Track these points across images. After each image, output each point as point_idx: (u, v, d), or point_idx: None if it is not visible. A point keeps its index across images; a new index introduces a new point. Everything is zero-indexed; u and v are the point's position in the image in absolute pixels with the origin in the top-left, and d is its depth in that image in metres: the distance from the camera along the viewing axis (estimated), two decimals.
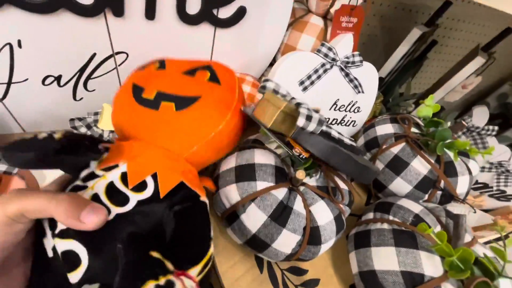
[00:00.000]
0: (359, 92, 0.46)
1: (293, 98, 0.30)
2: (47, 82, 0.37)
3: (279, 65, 0.40)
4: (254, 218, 0.27)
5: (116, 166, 0.20)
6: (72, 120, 0.38)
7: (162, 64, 0.26)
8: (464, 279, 0.25)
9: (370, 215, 0.34)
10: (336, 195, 0.31)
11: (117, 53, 0.38)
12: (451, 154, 0.37)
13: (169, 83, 0.24)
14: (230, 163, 0.31)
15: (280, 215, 0.28)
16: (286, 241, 0.27)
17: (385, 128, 0.43)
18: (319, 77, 0.43)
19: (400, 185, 0.38)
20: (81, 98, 0.41)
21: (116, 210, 0.18)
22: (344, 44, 0.43)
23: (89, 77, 0.39)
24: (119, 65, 0.39)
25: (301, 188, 0.31)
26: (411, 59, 0.77)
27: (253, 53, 0.46)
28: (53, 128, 0.42)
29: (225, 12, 0.39)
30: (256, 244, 0.28)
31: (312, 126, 0.26)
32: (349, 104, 0.48)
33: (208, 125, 0.24)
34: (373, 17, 0.70)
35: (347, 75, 0.44)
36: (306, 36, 0.46)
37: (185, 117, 0.23)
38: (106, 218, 0.17)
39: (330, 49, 0.42)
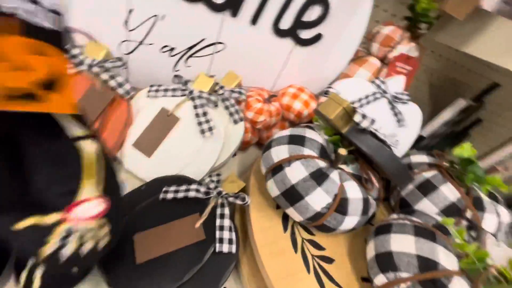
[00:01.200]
0: (401, 125, 0.52)
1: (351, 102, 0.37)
2: (164, 50, 0.49)
3: (339, 83, 0.49)
4: (296, 172, 0.33)
5: None
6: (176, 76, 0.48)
7: None
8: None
9: (394, 215, 0.37)
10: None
11: (219, 43, 0.50)
12: (481, 192, 0.40)
13: None
14: (284, 132, 0.38)
15: (318, 177, 0.33)
16: (318, 198, 0.32)
17: (420, 158, 0.47)
18: (368, 102, 0.50)
19: (426, 206, 0.41)
20: (178, 70, 0.53)
21: None
22: (396, 82, 0.51)
23: (191, 55, 0.51)
24: (216, 52, 0.51)
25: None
26: (453, 131, 0.81)
27: (317, 72, 0.56)
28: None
29: (305, 34, 0.50)
30: (292, 195, 0.33)
31: (365, 123, 0.33)
32: (389, 135, 0.54)
33: None
34: (423, 73, 0.78)
35: (393, 108, 0.51)
36: (363, 70, 0.55)
37: None
38: None
39: (383, 82, 0.50)
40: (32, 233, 0.15)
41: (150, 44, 0.48)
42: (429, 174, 0.43)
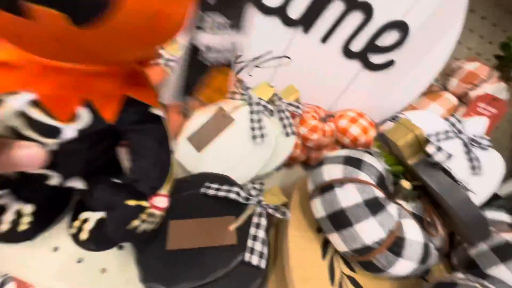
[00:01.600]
0: (476, 174, 0.45)
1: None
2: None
3: (407, 113, 0.45)
4: (349, 195, 0.30)
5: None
6: None
7: None
8: None
9: (460, 275, 0.30)
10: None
11: (285, 56, 0.51)
12: None
13: None
14: (340, 152, 0.35)
15: (373, 206, 0.29)
16: (370, 229, 0.28)
17: (498, 215, 0.39)
18: (438, 140, 0.45)
19: (502, 273, 0.33)
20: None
21: (49, 141, 0.18)
22: (475, 124, 0.45)
23: (256, 65, 0.53)
24: (278, 66, 0.52)
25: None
26: None
27: (382, 100, 0.53)
28: None
29: (376, 58, 0.48)
30: (339, 219, 0.30)
31: (439, 157, 0.29)
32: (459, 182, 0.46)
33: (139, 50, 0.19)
34: (507, 123, 0.68)
35: (468, 152, 0.45)
36: (436, 105, 0.50)
37: (94, 40, 0.15)
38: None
39: (459, 121, 0.45)
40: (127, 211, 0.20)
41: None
42: (510, 236, 0.35)
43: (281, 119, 0.46)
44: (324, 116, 0.51)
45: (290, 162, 0.53)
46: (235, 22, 0.20)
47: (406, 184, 0.30)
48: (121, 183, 0.21)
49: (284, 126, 0.46)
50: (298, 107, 0.48)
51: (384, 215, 0.29)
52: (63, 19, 0.13)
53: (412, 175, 0.33)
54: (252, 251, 0.32)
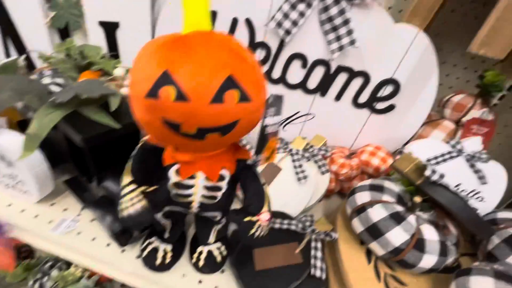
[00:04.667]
0: (484, 183, 0.55)
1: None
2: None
3: (415, 143, 0.58)
4: (377, 212, 0.43)
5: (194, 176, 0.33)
6: None
7: (180, 93, 0.23)
8: None
9: (476, 263, 0.40)
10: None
11: (310, 114, 0.67)
12: None
13: (205, 120, 0.25)
14: (366, 182, 0.49)
15: (397, 218, 0.42)
16: (397, 235, 0.40)
17: (507, 214, 0.49)
18: (444, 160, 0.56)
19: None
20: None
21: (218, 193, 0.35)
22: (472, 143, 0.56)
23: (288, 123, 0.70)
24: (307, 120, 0.68)
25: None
26: None
27: (392, 134, 0.66)
28: None
29: (380, 105, 0.63)
30: (374, 231, 0.42)
31: (435, 177, 0.42)
32: (471, 191, 0.56)
33: (246, 133, 0.30)
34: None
35: (472, 166, 0.55)
36: (438, 132, 0.62)
37: (230, 138, 0.29)
38: None
39: (458, 142, 0.57)
40: (247, 224, 0.32)
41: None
42: None
43: (315, 161, 0.61)
44: (349, 154, 0.65)
45: (328, 194, 0.66)
46: (278, 110, 0.36)
47: (418, 199, 0.42)
48: (240, 209, 0.36)
49: (319, 167, 0.60)
50: (327, 150, 0.63)
51: (405, 223, 0.41)
52: (218, 136, 0.27)
53: (423, 192, 0.45)
54: (315, 267, 0.45)
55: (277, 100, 0.34)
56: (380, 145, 0.66)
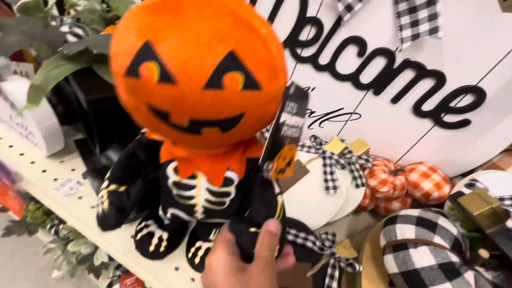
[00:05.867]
0: None
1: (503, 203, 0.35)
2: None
3: (488, 174, 0.45)
4: (423, 257, 0.33)
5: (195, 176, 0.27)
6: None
7: (164, 72, 0.17)
8: None
9: None
10: None
11: (355, 113, 0.57)
12: None
13: (198, 109, 0.19)
14: (413, 212, 0.38)
15: (449, 271, 0.31)
16: None
17: None
18: None
19: None
20: (311, 128, 0.62)
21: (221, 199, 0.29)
22: None
23: (327, 119, 0.60)
24: (350, 120, 0.58)
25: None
26: None
27: (457, 155, 0.53)
28: None
29: (450, 118, 0.49)
30: (413, 279, 0.32)
31: None
32: None
33: (255, 131, 0.25)
34: None
35: None
36: None
37: (232, 135, 0.22)
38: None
39: None
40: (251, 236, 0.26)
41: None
42: None
43: (351, 171, 0.51)
44: (394, 169, 0.53)
45: (359, 210, 0.56)
46: (301, 110, 0.26)
47: (484, 253, 0.31)
48: (245, 217, 0.29)
49: (355, 178, 0.51)
50: (367, 160, 0.52)
51: (460, 281, 0.31)
52: (217, 131, 0.21)
53: (492, 243, 0.33)
54: None
55: (300, 94, 0.24)
56: (436, 166, 0.53)
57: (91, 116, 0.36)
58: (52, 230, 0.78)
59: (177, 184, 0.28)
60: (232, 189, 0.28)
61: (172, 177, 0.28)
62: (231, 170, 0.27)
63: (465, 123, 0.49)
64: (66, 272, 0.76)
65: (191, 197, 0.29)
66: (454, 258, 0.33)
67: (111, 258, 0.75)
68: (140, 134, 0.29)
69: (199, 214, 0.31)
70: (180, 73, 0.17)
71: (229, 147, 0.26)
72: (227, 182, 0.28)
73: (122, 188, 0.29)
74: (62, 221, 0.79)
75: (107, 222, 0.28)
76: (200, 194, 0.29)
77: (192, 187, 0.28)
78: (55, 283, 0.96)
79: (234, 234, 0.26)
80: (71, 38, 0.38)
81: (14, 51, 0.34)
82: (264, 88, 0.19)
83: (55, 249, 0.78)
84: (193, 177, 0.28)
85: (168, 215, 0.32)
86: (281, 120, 0.22)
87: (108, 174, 0.29)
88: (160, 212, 0.34)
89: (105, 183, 0.29)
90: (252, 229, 0.27)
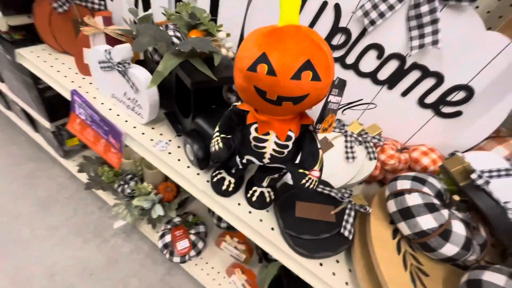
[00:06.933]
0: None
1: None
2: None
3: (473, 153, 0.59)
4: (414, 199, 0.48)
5: (268, 133, 0.43)
6: None
7: (270, 69, 0.32)
8: None
9: (496, 265, 0.44)
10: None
11: (372, 103, 0.71)
12: None
13: (285, 90, 0.33)
14: (410, 173, 0.54)
15: (431, 207, 0.47)
16: (427, 221, 0.46)
17: None
18: (499, 176, 0.57)
19: None
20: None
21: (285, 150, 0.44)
22: None
23: (348, 108, 0.75)
24: (367, 109, 0.73)
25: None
26: None
27: (451, 140, 0.67)
28: None
29: (446, 109, 0.64)
30: (406, 213, 0.48)
31: (480, 182, 0.45)
32: None
33: (312, 106, 0.38)
34: None
35: None
36: (501, 148, 0.62)
37: (299, 107, 0.37)
38: None
39: None
40: (300, 175, 0.42)
41: None
42: None
43: (366, 147, 0.67)
44: (400, 148, 0.68)
45: (370, 180, 0.71)
46: (340, 93, 0.42)
47: (456, 197, 0.46)
48: (297, 163, 0.45)
49: (368, 153, 0.66)
50: (380, 140, 0.67)
51: (438, 214, 0.46)
52: (291, 104, 0.37)
53: (464, 195, 0.48)
54: (345, 228, 0.53)
55: (342, 84, 0.40)
56: (434, 147, 0.68)
57: (192, 94, 0.53)
58: (120, 189, 0.97)
59: (255, 138, 0.45)
60: (290, 143, 0.44)
61: (253, 133, 0.44)
62: (291, 130, 0.43)
63: (458, 113, 0.63)
64: (130, 222, 0.96)
65: (264, 147, 0.45)
66: (436, 201, 0.48)
67: (164, 214, 0.94)
68: (232, 106, 0.46)
69: (266, 160, 0.47)
70: (279, 70, 0.32)
71: (292, 116, 0.43)
72: (288, 138, 0.44)
73: (229, 136, 0.46)
74: (126, 182, 0.98)
75: (219, 155, 0.45)
76: (270, 145, 0.45)
77: (265, 140, 0.44)
78: (109, 237, 1.16)
79: (290, 172, 0.43)
80: (175, 40, 0.55)
81: (145, 48, 0.51)
82: (322, 80, 0.34)
83: (120, 204, 0.97)
84: (267, 134, 0.44)
85: (244, 160, 0.49)
86: (329, 100, 0.38)
87: (217, 128, 0.46)
88: (238, 159, 0.50)
89: (217, 133, 0.46)
90: (301, 170, 0.43)
